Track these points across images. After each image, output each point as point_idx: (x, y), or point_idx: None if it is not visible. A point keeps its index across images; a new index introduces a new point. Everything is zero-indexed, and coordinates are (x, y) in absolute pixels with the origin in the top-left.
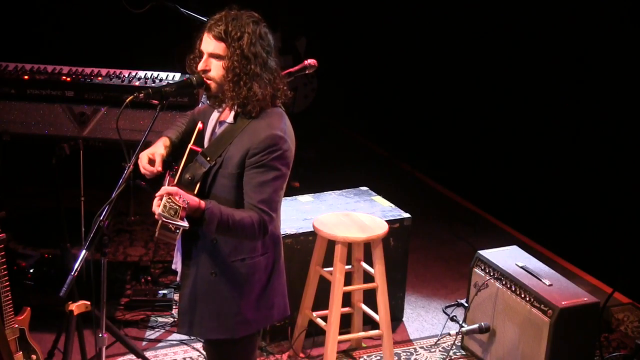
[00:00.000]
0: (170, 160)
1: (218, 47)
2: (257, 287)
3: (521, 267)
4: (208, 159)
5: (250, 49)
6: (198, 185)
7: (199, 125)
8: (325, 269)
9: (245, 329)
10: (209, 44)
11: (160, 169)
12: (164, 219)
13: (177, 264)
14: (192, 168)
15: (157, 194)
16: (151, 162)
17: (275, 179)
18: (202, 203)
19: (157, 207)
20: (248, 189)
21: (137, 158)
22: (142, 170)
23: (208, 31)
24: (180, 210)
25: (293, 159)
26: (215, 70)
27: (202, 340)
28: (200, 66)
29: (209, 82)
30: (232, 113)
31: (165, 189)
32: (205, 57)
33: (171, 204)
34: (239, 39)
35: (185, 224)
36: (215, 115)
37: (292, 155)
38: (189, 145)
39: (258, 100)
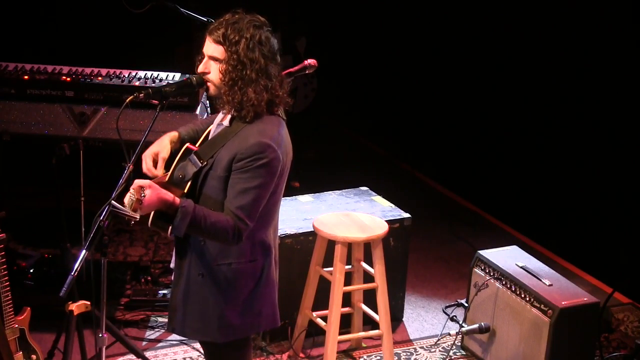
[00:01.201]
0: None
1: (216, 50)
2: (243, 293)
3: (521, 267)
4: (200, 159)
5: (247, 54)
6: (189, 184)
7: (212, 125)
8: (325, 269)
9: (229, 334)
10: (208, 46)
11: (160, 173)
12: (113, 208)
13: (173, 263)
14: (184, 166)
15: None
16: (155, 163)
17: (257, 187)
18: (177, 200)
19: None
20: (230, 193)
21: (138, 158)
22: (145, 171)
23: (209, 34)
24: (135, 202)
25: (286, 168)
26: (214, 73)
27: None
28: (200, 68)
29: (208, 83)
30: (229, 116)
31: (137, 181)
32: (205, 59)
33: (133, 196)
34: (236, 43)
35: (137, 216)
36: (219, 116)
37: (281, 164)
38: (187, 144)
39: (253, 105)
